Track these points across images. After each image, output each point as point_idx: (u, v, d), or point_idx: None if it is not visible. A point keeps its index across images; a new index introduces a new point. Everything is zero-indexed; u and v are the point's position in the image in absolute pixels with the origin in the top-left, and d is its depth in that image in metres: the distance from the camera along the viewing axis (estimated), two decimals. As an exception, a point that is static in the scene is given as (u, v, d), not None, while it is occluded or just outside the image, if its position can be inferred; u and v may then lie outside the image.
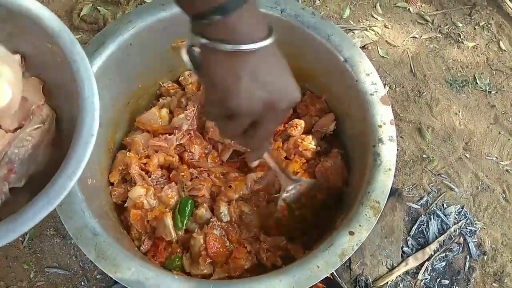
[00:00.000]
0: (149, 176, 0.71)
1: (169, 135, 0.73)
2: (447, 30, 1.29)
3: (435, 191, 1.07)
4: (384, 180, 0.60)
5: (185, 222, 0.69)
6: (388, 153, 0.62)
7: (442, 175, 1.09)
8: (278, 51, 0.42)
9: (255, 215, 0.69)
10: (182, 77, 0.81)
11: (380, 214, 0.58)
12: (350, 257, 0.95)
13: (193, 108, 0.74)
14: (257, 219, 0.70)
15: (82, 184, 0.60)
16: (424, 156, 1.11)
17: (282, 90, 0.42)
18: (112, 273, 0.52)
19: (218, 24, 0.37)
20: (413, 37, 1.27)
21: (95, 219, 0.56)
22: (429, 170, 1.09)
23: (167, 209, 0.69)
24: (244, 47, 0.38)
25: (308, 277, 0.55)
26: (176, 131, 0.73)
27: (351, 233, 0.57)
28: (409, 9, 1.32)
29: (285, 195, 0.68)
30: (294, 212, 0.70)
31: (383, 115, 0.64)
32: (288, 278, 0.54)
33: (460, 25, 1.30)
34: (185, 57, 0.41)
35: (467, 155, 1.12)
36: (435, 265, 0.99)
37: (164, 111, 0.76)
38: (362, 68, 0.66)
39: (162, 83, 0.82)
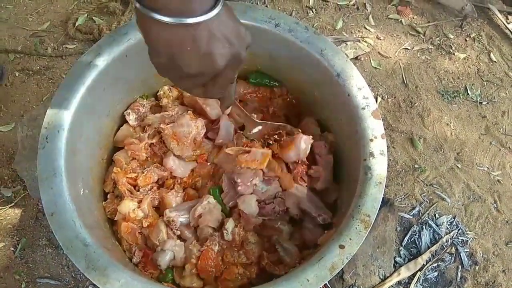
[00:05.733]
0: (138, 190, 0.72)
1: (142, 133, 0.75)
2: (438, 42, 1.31)
3: (427, 201, 1.08)
4: (375, 193, 0.61)
5: None
6: (379, 167, 0.62)
7: (434, 185, 1.10)
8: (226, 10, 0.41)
9: (258, 246, 0.69)
10: (162, 92, 0.81)
11: (370, 228, 0.59)
12: (342, 268, 0.96)
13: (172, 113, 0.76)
14: (259, 250, 0.69)
15: (73, 194, 0.60)
16: (416, 166, 1.12)
17: (240, 38, 0.42)
18: (102, 284, 0.52)
19: None
20: (405, 48, 1.29)
21: (86, 229, 0.56)
22: (421, 180, 1.10)
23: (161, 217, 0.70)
24: (190, 20, 0.37)
25: (298, 291, 0.55)
26: (148, 127, 0.74)
27: (341, 247, 0.58)
28: (401, 20, 1.34)
29: (249, 133, 0.73)
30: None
31: (374, 129, 0.65)
32: (279, 291, 0.55)
33: (452, 36, 1.32)
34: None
35: (459, 165, 1.13)
36: (427, 275, 1.00)
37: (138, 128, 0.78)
38: (354, 83, 0.67)
39: (135, 99, 0.81)
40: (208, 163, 0.74)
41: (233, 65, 0.43)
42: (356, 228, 0.58)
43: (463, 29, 1.33)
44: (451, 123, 1.19)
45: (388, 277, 0.98)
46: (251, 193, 0.70)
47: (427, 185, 1.10)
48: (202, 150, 0.73)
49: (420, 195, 1.08)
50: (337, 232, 0.59)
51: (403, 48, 1.29)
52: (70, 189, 0.59)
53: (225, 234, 0.67)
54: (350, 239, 0.58)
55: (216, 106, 0.75)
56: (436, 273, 1.00)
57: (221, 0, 0.40)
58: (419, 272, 0.99)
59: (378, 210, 0.60)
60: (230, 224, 0.68)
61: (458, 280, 1.00)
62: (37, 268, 0.96)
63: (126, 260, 0.69)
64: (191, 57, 0.39)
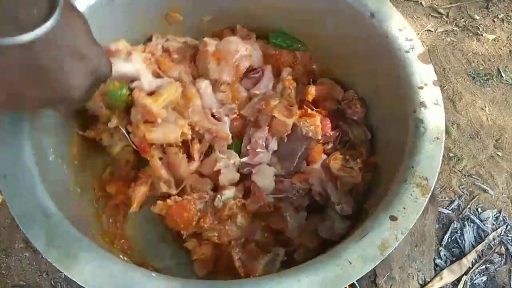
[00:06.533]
0: None
1: None
2: (464, 23, 1.19)
3: (467, 194, 0.93)
4: (431, 150, 0.46)
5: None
6: (433, 118, 0.49)
7: (473, 176, 0.95)
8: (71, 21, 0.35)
9: (240, 231, 0.55)
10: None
11: (430, 194, 0.44)
12: (375, 270, 0.79)
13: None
14: (238, 235, 0.55)
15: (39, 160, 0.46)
16: (451, 155, 0.97)
17: (94, 51, 0.39)
18: (65, 268, 0.37)
19: None
20: (428, 30, 1.17)
21: (49, 193, 0.42)
22: (458, 171, 0.96)
23: None
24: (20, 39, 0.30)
25: (336, 276, 0.40)
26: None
27: (393, 218, 0.43)
28: (421, 2, 1.23)
29: None
30: None
31: (423, 75, 0.51)
32: (309, 278, 0.40)
33: (477, 17, 1.20)
34: None
35: (499, 153, 0.99)
36: (475, 280, 0.84)
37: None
38: (393, 23, 0.55)
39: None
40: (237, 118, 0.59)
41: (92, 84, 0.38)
42: (411, 194, 0.44)
43: (489, 10, 1.22)
44: (486, 107, 1.05)
45: (428, 282, 0.82)
46: (269, 165, 0.56)
47: (465, 175, 0.95)
48: (238, 96, 0.58)
49: (459, 187, 0.94)
50: (385, 201, 0.45)
51: (425, 30, 1.17)
52: (35, 147, 0.45)
53: (217, 199, 0.53)
54: (404, 208, 0.43)
55: (257, 55, 0.61)
56: (484, 278, 0.84)
57: (59, 4, 0.32)
58: (464, 276, 0.83)
59: (437, 172, 0.46)
60: (229, 192, 0.54)
61: (511, 285, 0.83)
62: (11, 275, 0.81)
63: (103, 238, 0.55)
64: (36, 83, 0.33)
